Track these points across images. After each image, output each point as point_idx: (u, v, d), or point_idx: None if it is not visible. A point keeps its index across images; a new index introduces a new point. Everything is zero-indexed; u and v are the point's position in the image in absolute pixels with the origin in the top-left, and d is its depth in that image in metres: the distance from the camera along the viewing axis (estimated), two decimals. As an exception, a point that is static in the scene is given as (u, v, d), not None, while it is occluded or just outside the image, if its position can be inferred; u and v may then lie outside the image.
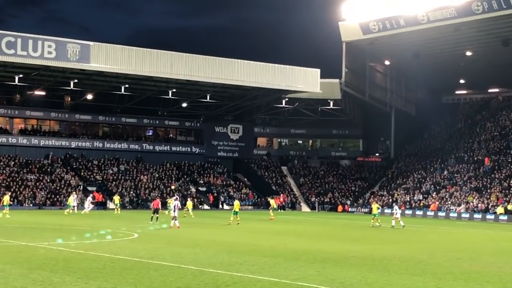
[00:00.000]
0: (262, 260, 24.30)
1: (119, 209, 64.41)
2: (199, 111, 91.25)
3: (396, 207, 53.94)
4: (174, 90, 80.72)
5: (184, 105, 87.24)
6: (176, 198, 44.55)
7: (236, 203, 50.14)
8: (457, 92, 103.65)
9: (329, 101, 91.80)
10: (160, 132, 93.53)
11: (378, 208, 54.53)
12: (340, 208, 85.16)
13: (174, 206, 42.31)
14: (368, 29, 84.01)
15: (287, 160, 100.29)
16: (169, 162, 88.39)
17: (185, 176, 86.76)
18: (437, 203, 77.46)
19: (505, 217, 67.98)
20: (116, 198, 66.34)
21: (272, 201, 63.60)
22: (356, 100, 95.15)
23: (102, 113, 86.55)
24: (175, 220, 41.70)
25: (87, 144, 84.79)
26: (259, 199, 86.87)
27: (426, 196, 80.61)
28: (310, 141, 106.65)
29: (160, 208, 49.19)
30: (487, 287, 19.41)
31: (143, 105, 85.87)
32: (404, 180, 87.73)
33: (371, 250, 29.87)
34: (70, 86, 75.78)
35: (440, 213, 74.33)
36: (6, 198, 55.83)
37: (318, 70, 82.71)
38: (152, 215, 47.14)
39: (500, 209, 69.54)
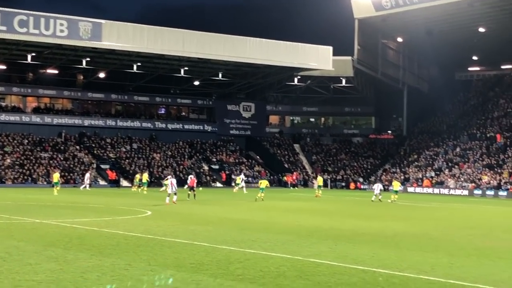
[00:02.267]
0: (274, 237, 24.39)
1: (145, 188, 61.44)
2: (211, 89, 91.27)
3: (377, 184, 55.50)
4: (186, 68, 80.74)
5: (196, 83, 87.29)
6: (172, 176, 45.30)
7: (264, 181, 51.92)
8: (470, 68, 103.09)
9: (341, 78, 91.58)
10: (173, 110, 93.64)
11: (399, 186, 56.63)
12: (352, 185, 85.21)
13: (170, 183, 42.34)
14: (381, 5, 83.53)
15: (299, 138, 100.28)
16: (182, 140, 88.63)
17: (198, 154, 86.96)
18: (428, 180, 78.17)
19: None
20: (144, 176, 63.70)
21: (319, 178, 63.34)
22: (368, 77, 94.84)
23: (115, 92, 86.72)
24: (169, 197, 41.79)
25: (100, 123, 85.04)
26: (271, 177, 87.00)
27: (438, 173, 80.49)
28: (323, 119, 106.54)
29: (195, 186, 50.03)
30: (499, 263, 19.41)
31: (155, 83, 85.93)
32: (416, 157, 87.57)
33: (383, 227, 29.92)
34: (82, 65, 76.07)
35: (452, 191, 74.27)
36: (56, 176, 56.49)
37: (330, 48, 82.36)
38: (189, 192, 48.39)
39: None
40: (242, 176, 67.26)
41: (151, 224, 28.82)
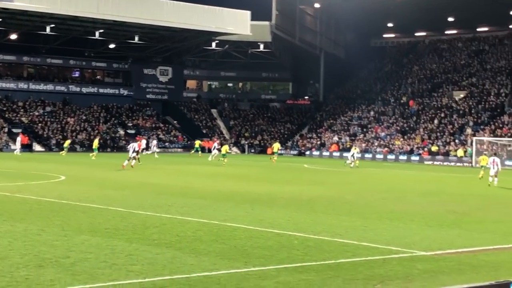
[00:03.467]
0: (191, 202, 24.36)
1: (94, 154, 58.69)
2: (127, 52, 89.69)
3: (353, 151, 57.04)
4: (101, 30, 79.04)
5: (112, 46, 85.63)
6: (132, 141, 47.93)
7: (225, 146, 56.95)
8: (385, 35, 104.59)
9: (259, 43, 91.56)
10: (87, 73, 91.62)
11: (358, 152, 59.51)
12: (269, 150, 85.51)
13: (131, 147, 44.71)
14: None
15: (217, 103, 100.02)
16: (97, 104, 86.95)
17: (114, 119, 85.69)
18: (335, 145, 79.94)
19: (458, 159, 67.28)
20: (95, 142, 61.68)
21: (275, 144, 65.03)
22: (286, 43, 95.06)
23: (27, 54, 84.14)
24: (128, 160, 43.51)
25: (12, 85, 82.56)
26: (188, 142, 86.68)
27: (353, 138, 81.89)
28: (240, 84, 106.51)
29: (140, 150, 51.53)
30: (411, 225, 19.93)
31: (69, 46, 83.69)
32: (332, 122, 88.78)
33: (299, 191, 30.28)
34: (-8, 25, 73.51)
35: (366, 155, 75.67)
36: None
37: (248, 12, 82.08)
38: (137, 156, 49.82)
39: (460, 152, 68.15)
40: (215, 144, 65.77)
41: (65, 189, 28.33)
